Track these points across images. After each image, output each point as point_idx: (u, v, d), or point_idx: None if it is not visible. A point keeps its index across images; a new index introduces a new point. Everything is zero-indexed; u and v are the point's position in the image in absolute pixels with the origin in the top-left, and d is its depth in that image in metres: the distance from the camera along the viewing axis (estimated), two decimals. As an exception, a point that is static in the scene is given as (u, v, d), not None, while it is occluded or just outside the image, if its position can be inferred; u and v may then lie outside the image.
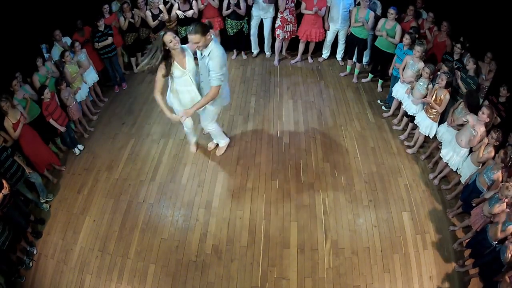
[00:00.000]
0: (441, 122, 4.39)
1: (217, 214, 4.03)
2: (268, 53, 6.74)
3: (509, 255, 2.96)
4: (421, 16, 5.49)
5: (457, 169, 4.04)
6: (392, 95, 5.13)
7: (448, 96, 4.10)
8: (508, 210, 3.17)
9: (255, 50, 6.72)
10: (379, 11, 5.60)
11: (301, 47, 6.40)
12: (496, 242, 3.17)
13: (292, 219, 3.97)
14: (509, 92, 3.89)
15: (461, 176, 4.00)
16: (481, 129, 3.67)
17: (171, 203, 4.18)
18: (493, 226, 3.21)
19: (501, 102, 3.97)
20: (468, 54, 4.61)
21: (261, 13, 6.02)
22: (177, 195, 4.25)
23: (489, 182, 3.48)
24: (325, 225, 3.92)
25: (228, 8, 5.92)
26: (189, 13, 5.82)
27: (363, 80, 6.08)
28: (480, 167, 3.71)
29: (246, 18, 6.15)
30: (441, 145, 4.31)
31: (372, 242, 3.79)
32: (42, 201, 4.23)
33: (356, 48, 5.78)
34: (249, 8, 6.04)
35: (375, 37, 5.50)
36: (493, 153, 3.57)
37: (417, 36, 4.83)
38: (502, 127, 3.68)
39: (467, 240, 3.66)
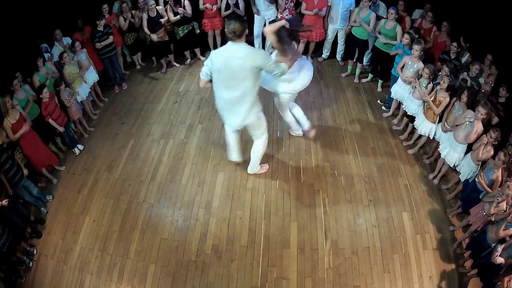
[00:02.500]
0: (439, 121, 4.38)
1: (217, 214, 4.04)
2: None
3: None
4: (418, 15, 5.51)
5: (455, 166, 4.03)
6: (391, 95, 5.12)
7: (448, 99, 4.08)
8: (507, 210, 3.16)
9: None
10: (382, 12, 5.57)
11: (301, 47, 6.39)
12: (495, 243, 3.16)
13: (292, 219, 3.97)
14: (508, 93, 3.89)
15: (460, 174, 4.00)
16: (479, 125, 3.67)
17: (171, 203, 4.18)
18: (493, 227, 3.20)
19: (501, 102, 3.97)
20: (468, 54, 4.61)
21: (264, 14, 5.99)
22: (177, 195, 4.25)
23: (488, 182, 3.48)
24: (325, 225, 3.92)
25: (227, 9, 5.92)
26: (180, 10, 5.77)
27: (363, 80, 6.08)
28: (479, 166, 3.71)
29: (245, 19, 6.14)
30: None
31: (372, 242, 3.79)
32: (44, 200, 4.22)
33: (357, 48, 5.78)
34: (249, 8, 6.03)
35: (375, 38, 5.50)
36: (492, 152, 3.56)
37: (417, 36, 4.83)
38: (502, 127, 3.68)
39: (467, 241, 3.66)
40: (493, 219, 3.24)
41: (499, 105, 3.96)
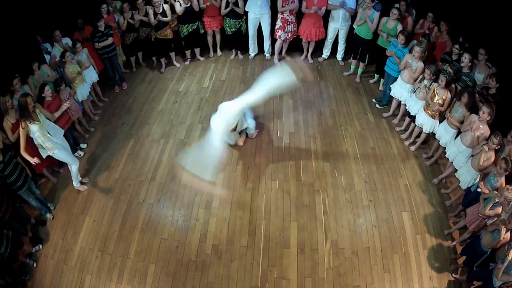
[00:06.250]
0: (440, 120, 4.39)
1: (217, 214, 4.04)
2: (268, 55, 6.68)
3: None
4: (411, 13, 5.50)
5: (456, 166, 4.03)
6: (390, 94, 5.10)
7: (449, 95, 4.13)
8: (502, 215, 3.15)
9: (252, 52, 6.68)
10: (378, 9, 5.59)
11: (305, 45, 6.40)
12: (490, 249, 3.14)
13: (292, 219, 3.97)
14: (498, 83, 3.87)
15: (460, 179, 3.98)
16: (485, 128, 3.66)
17: (171, 203, 4.18)
18: (487, 233, 3.17)
19: (491, 93, 3.95)
20: (466, 54, 4.60)
21: (257, 12, 5.95)
22: (177, 195, 4.25)
23: (492, 190, 3.44)
24: (325, 225, 3.92)
25: (226, 7, 5.92)
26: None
27: (370, 81, 6.06)
28: (480, 173, 3.67)
29: (245, 17, 6.15)
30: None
31: (372, 242, 3.79)
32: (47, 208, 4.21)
33: (360, 48, 5.78)
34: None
35: (376, 38, 5.51)
36: (493, 159, 3.53)
37: (426, 40, 4.82)
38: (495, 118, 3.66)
39: (463, 245, 3.63)
40: (487, 223, 3.22)
41: (489, 96, 3.95)
